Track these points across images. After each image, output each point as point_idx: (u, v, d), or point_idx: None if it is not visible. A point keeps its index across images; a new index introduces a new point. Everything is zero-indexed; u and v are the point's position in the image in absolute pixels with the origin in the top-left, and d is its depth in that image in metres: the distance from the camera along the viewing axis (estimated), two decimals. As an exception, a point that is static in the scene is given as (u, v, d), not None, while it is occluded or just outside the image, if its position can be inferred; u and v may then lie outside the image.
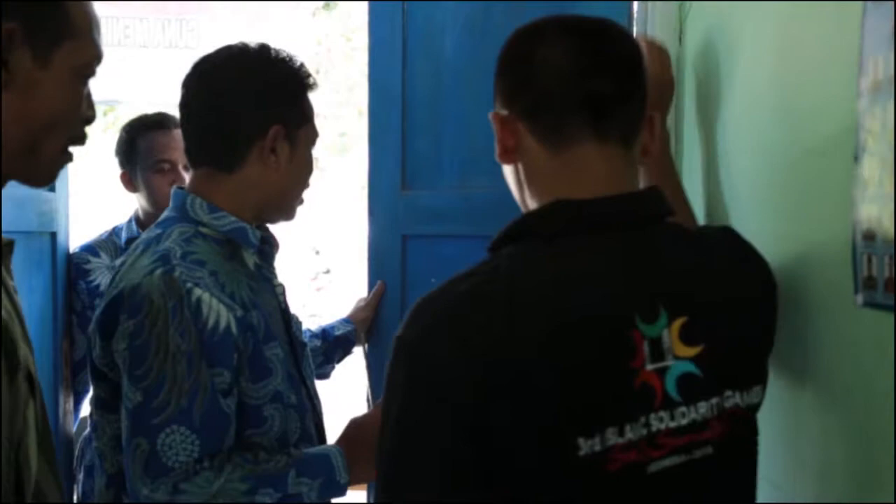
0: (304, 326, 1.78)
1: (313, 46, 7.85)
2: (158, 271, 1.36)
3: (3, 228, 0.98)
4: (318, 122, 1.58)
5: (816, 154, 1.06)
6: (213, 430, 1.35)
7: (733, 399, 1.01)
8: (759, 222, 1.26)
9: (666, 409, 0.96)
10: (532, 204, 1.07)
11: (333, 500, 1.51)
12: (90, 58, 1.00)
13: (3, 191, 0.98)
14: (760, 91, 1.26)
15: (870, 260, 0.87)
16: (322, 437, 1.59)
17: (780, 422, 1.15)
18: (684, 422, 0.97)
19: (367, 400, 2.00)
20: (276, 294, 1.55)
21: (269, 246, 1.55)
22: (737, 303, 1.03)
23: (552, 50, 1.04)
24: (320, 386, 1.70)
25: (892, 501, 0.86)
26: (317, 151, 1.60)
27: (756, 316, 1.06)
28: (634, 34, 1.87)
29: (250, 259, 1.50)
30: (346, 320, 2.03)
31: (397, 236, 2.03)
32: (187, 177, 2.18)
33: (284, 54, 1.51)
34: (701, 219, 1.49)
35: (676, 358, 0.97)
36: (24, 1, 0.93)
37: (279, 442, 1.45)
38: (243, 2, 5.78)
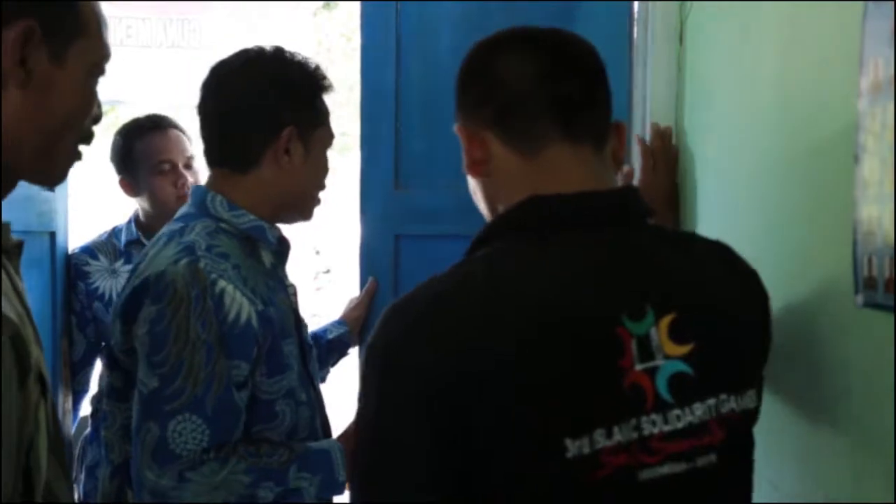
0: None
1: (313, 46, 7.85)
2: (184, 261, 1.39)
3: (2, 228, 0.98)
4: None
5: (816, 154, 1.06)
6: (224, 422, 1.37)
7: (729, 404, 0.97)
8: (759, 223, 1.26)
9: (658, 412, 0.93)
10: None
11: (333, 501, 1.51)
12: (101, 56, 0.99)
13: (3, 191, 0.97)
14: (761, 91, 1.26)
15: (870, 260, 0.87)
16: (328, 438, 1.59)
17: (779, 422, 1.15)
18: (679, 425, 0.94)
19: None
20: (288, 294, 1.56)
21: (284, 246, 1.57)
22: (727, 305, 1.00)
23: (515, 57, 1.03)
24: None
25: (892, 502, 0.86)
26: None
27: (747, 322, 1.03)
28: (635, 40, 1.87)
29: (267, 258, 1.52)
30: (340, 322, 2.02)
31: (390, 236, 2.03)
32: (188, 175, 2.20)
33: (300, 57, 1.54)
34: (701, 218, 1.49)
35: (667, 357, 0.94)
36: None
37: (288, 438, 1.46)
38: (244, 2, 5.78)
